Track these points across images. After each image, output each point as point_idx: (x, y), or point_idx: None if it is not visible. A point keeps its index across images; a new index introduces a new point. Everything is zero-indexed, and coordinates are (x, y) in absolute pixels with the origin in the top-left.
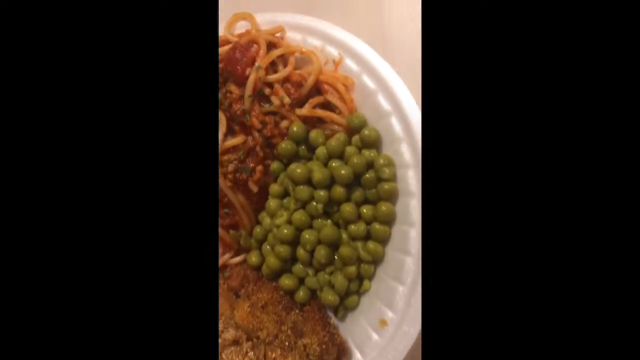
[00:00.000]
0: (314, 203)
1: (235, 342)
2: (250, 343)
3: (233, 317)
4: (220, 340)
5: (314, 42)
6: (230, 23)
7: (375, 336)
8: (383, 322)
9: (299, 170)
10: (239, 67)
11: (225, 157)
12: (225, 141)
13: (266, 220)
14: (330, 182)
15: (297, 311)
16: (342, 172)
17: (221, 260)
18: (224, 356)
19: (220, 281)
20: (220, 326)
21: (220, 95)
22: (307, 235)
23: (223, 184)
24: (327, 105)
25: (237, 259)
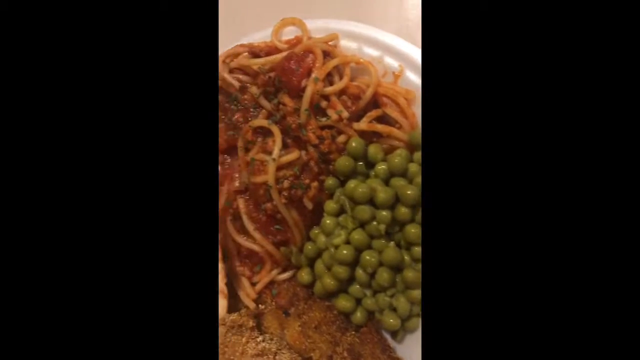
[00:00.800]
0: (375, 223)
1: None
2: None
3: (284, 336)
4: None
5: (371, 52)
6: (278, 29)
7: None
8: None
9: (360, 190)
10: (294, 79)
11: (281, 174)
12: (281, 157)
13: (320, 238)
14: (394, 202)
15: (352, 332)
16: (409, 192)
17: (269, 277)
18: None
19: (268, 299)
20: (274, 347)
21: (271, 107)
22: (368, 256)
23: (278, 200)
24: (384, 119)
25: (285, 275)
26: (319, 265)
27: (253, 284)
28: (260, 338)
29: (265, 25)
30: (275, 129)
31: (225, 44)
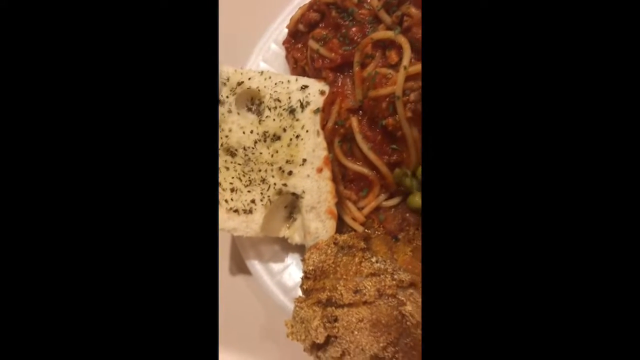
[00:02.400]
0: None
1: (412, 284)
2: None
3: (394, 261)
4: (394, 282)
5: None
6: None
7: None
8: None
9: None
10: None
11: (407, 85)
12: (410, 67)
13: None
14: None
15: None
16: None
17: (376, 202)
18: (401, 297)
19: (375, 224)
20: (390, 268)
21: (391, 20)
22: None
23: (402, 113)
24: None
25: (393, 201)
26: None
27: (360, 209)
28: (374, 259)
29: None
30: (403, 39)
31: None
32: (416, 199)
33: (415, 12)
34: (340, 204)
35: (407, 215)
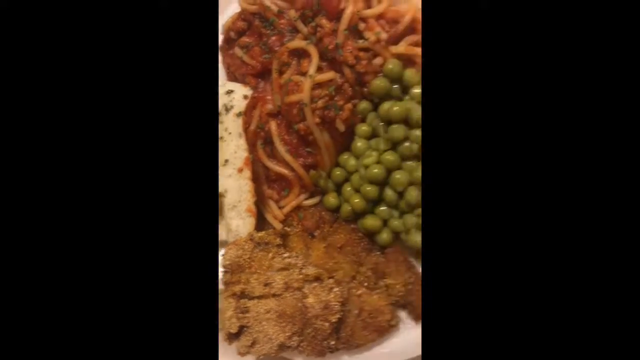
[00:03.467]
0: (408, 144)
1: (318, 278)
2: (332, 280)
3: (309, 256)
4: (301, 276)
5: None
6: None
7: None
8: None
9: (396, 108)
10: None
11: (316, 92)
12: (317, 75)
13: (350, 162)
14: None
15: (377, 253)
16: None
17: (296, 201)
18: (305, 291)
19: (294, 222)
20: (299, 263)
21: (308, 29)
22: (399, 175)
23: (311, 120)
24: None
25: (312, 200)
26: (347, 188)
27: (280, 207)
28: (287, 254)
29: None
30: (312, 49)
31: None
32: (330, 199)
33: (327, 23)
34: (262, 202)
35: (323, 213)
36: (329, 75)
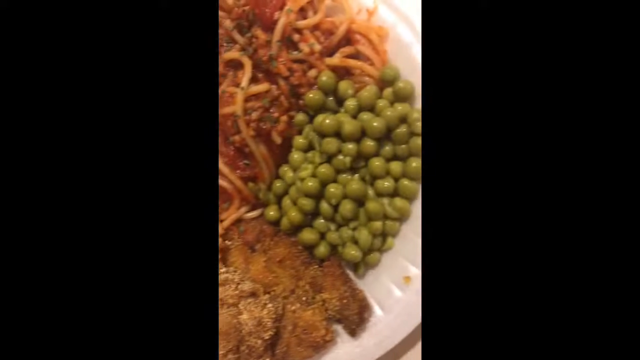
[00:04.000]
0: (341, 157)
1: (253, 294)
2: (267, 296)
3: (248, 271)
4: (237, 292)
5: None
6: None
7: (398, 292)
8: (407, 279)
9: (328, 121)
10: (267, 10)
11: (249, 105)
12: (250, 87)
13: (288, 174)
14: (360, 136)
15: (315, 267)
16: (375, 124)
17: (237, 214)
18: (240, 307)
19: (235, 235)
20: (237, 278)
21: (244, 40)
22: (333, 189)
23: (245, 132)
24: (357, 57)
25: (253, 213)
26: (286, 201)
27: (220, 221)
28: (224, 269)
29: None
30: (246, 60)
31: None
32: (271, 212)
33: (262, 34)
34: None
35: (265, 227)
36: (261, 87)
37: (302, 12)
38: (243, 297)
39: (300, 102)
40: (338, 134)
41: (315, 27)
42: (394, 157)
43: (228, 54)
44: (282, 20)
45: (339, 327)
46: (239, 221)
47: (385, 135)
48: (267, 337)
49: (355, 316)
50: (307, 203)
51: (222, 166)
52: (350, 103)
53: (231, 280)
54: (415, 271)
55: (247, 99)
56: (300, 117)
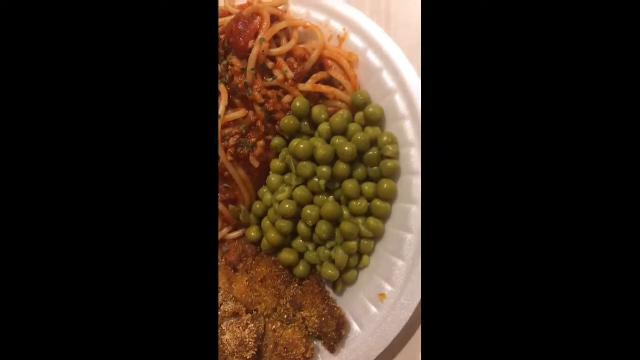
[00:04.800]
0: (316, 179)
1: (235, 314)
2: (250, 315)
3: (232, 290)
4: (219, 312)
5: (319, 17)
6: None
7: (374, 309)
8: (382, 296)
9: (302, 146)
10: (241, 39)
11: (227, 131)
12: (227, 114)
13: (267, 196)
14: (334, 159)
15: (296, 285)
16: (346, 148)
17: (220, 235)
18: (224, 327)
19: (218, 257)
20: (220, 299)
21: (220, 68)
22: (309, 210)
23: (224, 157)
24: (330, 82)
25: (236, 234)
26: (265, 222)
27: None
28: None
29: None
30: (222, 88)
31: None
32: (251, 233)
33: (237, 62)
34: None
35: (247, 247)
36: (238, 113)
37: (276, 40)
38: (226, 317)
39: (277, 127)
40: (313, 158)
41: (290, 54)
42: (367, 179)
43: None
44: (256, 49)
45: (319, 344)
46: (222, 242)
47: (358, 158)
48: (249, 357)
49: (333, 333)
50: (285, 225)
51: None
52: (324, 128)
53: None
54: (390, 289)
55: (224, 126)
56: (277, 141)
